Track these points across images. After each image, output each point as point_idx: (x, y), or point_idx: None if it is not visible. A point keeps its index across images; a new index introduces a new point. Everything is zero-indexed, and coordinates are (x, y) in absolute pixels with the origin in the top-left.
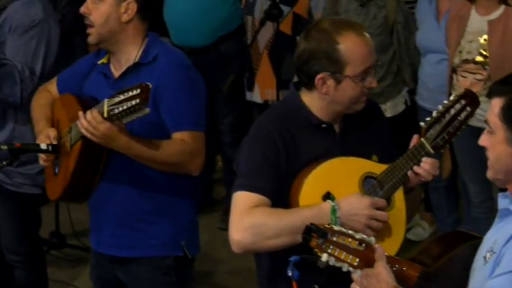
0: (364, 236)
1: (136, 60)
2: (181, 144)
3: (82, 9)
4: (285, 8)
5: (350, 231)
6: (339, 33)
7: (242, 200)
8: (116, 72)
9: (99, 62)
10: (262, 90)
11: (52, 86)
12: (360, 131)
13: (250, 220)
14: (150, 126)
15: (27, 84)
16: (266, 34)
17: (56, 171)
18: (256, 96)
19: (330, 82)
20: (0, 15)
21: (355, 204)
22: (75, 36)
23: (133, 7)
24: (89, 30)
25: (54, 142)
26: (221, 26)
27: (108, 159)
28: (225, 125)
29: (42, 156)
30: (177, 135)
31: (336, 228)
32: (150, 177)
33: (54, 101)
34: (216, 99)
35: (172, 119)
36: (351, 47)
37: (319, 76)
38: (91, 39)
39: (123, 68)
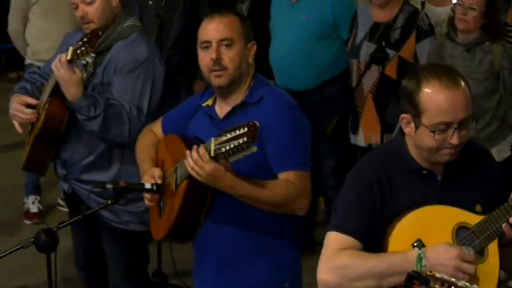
0: (467, 284)
1: (242, 100)
2: (287, 184)
3: (212, 56)
4: (391, 52)
5: (452, 279)
6: (426, 79)
7: (332, 240)
8: (221, 112)
9: (204, 104)
10: (366, 133)
11: (156, 127)
12: (466, 179)
13: (336, 261)
14: (256, 166)
15: (135, 124)
16: (371, 78)
17: (161, 212)
18: (360, 139)
19: (412, 125)
20: (104, 56)
21: (442, 254)
22: (180, 76)
23: (254, 48)
24: (218, 73)
25: (159, 181)
26: (326, 70)
27: (213, 199)
28: (328, 167)
29: (147, 196)
30: (282, 175)
31: (438, 275)
32: (253, 218)
33: (159, 141)
34: (320, 142)
35: (277, 159)
36: (430, 96)
37: (402, 115)
38: (222, 82)
39: (229, 108)
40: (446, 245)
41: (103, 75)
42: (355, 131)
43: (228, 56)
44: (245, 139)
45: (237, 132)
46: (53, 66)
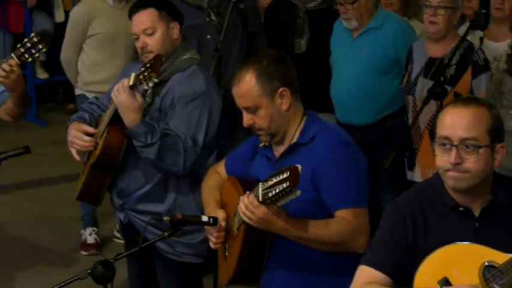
0: None
1: (294, 141)
2: (343, 222)
3: (245, 124)
4: (447, 87)
5: None
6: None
7: (361, 273)
8: (277, 153)
9: (261, 145)
10: (424, 169)
11: (221, 168)
12: (508, 218)
13: None
14: (312, 205)
15: (190, 154)
16: (427, 114)
17: (226, 255)
18: (417, 175)
19: None
20: (163, 87)
21: None
22: (237, 111)
23: (287, 93)
24: (258, 132)
25: (223, 224)
26: (388, 105)
27: (273, 240)
28: (387, 201)
29: (212, 239)
30: (339, 214)
31: None
32: (311, 258)
33: (223, 182)
34: (378, 176)
35: (333, 197)
36: (441, 114)
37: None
38: (264, 140)
39: (283, 149)
40: (468, 286)
41: (160, 105)
42: (411, 167)
43: (258, 120)
44: (287, 183)
45: (280, 176)
46: (114, 90)
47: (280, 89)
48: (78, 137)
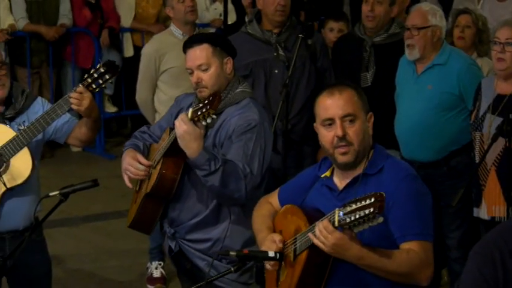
0: None
1: (363, 171)
2: (410, 254)
3: (338, 133)
4: None
5: None
6: None
7: None
8: (340, 183)
9: (323, 175)
10: (490, 206)
11: (273, 198)
12: None
13: None
14: (378, 236)
15: (249, 180)
16: (494, 150)
17: (278, 282)
18: (482, 212)
19: None
20: (216, 120)
21: None
22: (304, 145)
23: (372, 119)
24: (344, 150)
25: (280, 245)
26: (452, 141)
27: (332, 270)
28: (453, 239)
29: (270, 262)
30: (405, 246)
31: None
32: (378, 286)
33: (276, 212)
34: (445, 213)
35: (399, 229)
36: None
37: None
38: (348, 159)
39: (348, 179)
40: None
41: (214, 138)
42: (477, 204)
43: (352, 131)
44: (371, 210)
45: (363, 202)
46: (176, 123)
47: (370, 113)
48: (133, 164)
